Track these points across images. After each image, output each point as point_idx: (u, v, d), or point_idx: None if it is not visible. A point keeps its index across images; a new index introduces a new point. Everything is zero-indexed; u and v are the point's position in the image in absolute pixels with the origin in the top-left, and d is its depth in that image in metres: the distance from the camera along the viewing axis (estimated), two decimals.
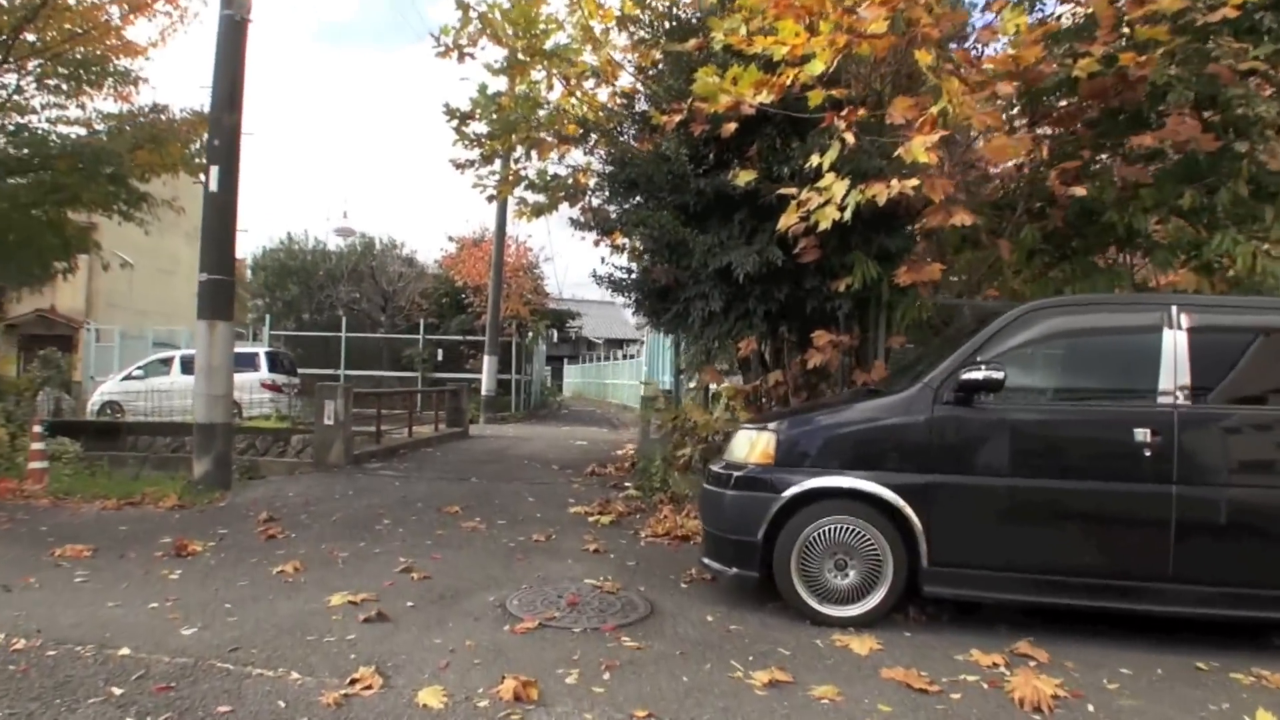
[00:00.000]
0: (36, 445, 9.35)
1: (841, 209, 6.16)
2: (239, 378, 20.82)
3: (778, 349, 8.19)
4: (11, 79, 11.15)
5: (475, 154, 10.05)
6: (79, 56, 11.67)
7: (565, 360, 56.72)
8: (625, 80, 9.11)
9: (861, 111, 6.05)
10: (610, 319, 68.90)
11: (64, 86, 11.73)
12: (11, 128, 11.12)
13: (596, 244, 11.21)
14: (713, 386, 9.61)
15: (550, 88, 9.72)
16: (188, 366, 21.04)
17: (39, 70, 11.11)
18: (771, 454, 5.06)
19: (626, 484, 9.63)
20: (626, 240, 9.66)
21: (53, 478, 9.30)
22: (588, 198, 10.12)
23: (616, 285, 9.02)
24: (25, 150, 11.26)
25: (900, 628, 4.72)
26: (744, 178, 7.17)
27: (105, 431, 16.42)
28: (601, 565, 5.99)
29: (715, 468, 5.43)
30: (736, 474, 5.15)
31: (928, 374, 4.97)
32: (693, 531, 7.14)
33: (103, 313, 27.64)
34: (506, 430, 18.93)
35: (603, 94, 9.75)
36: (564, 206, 10.20)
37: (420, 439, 13.42)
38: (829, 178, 6.22)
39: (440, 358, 25.23)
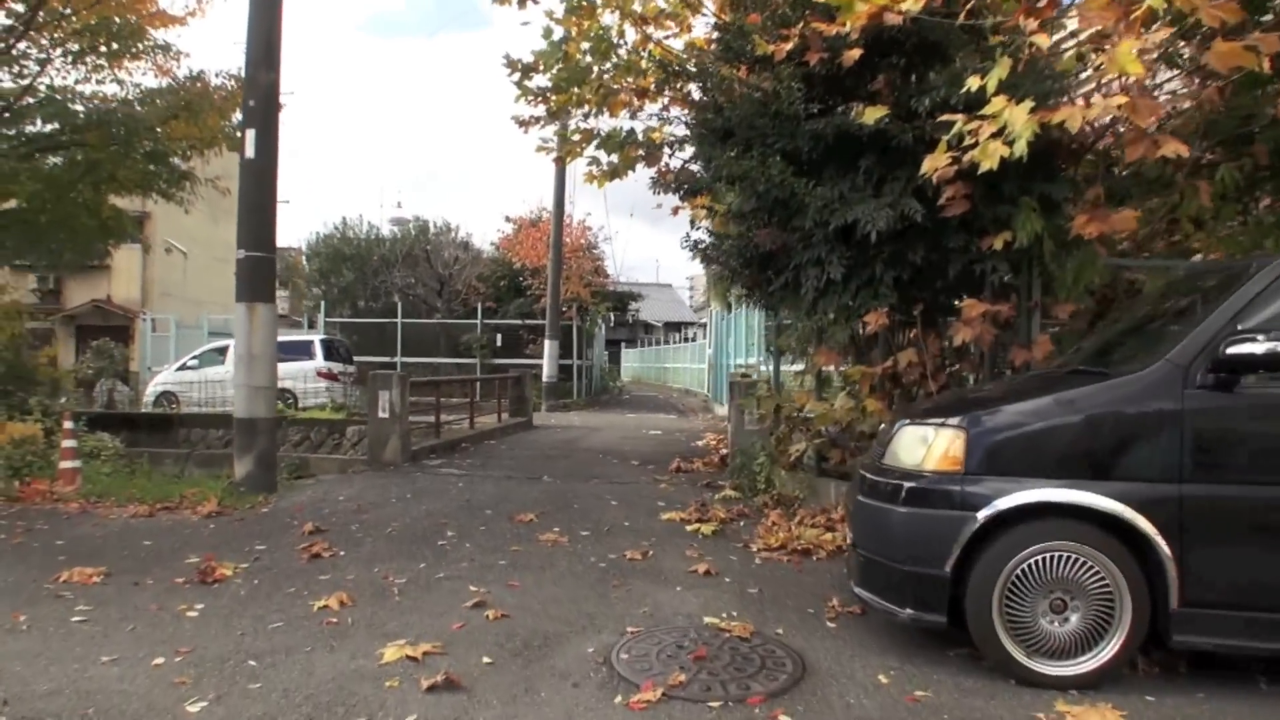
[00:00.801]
0: (68, 443, 8.46)
1: (1009, 143, 4.88)
2: (294, 366, 20.40)
3: (907, 324, 6.87)
4: (37, 49, 10.27)
5: (540, 110, 8.87)
6: (113, 28, 10.76)
7: (623, 344, 55.64)
8: (702, 29, 7.84)
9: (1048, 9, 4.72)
10: (668, 301, 67.70)
11: (96, 59, 10.84)
12: (39, 97, 10.23)
13: (676, 211, 9.99)
14: (826, 370, 8.32)
15: (621, 34, 8.51)
16: None
17: (64, 40, 10.20)
18: (959, 458, 3.82)
19: (721, 483, 8.43)
20: (713, 203, 8.44)
21: (87, 478, 8.43)
22: (668, 157, 8.91)
23: (708, 254, 7.79)
24: (55, 123, 10.38)
25: (1133, 686, 3.49)
26: (872, 115, 5.89)
27: (157, 424, 15.74)
28: (718, 593, 4.80)
29: (873, 474, 4.21)
30: (910, 485, 3.91)
31: (1167, 349, 3.68)
32: (813, 544, 5.96)
33: (158, 302, 27.27)
34: (572, 419, 17.85)
35: (678, 43, 8.53)
36: (640, 170, 9.02)
37: (483, 431, 12.36)
38: (998, 102, 4.92)
39: (499, 343, 24.27)
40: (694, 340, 54.03)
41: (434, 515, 6.82)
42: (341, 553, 5.59)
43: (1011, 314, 6.14)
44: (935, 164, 5.48)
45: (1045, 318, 6.25)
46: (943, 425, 3.97)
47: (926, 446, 3.97)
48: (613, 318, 32.19)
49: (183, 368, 20.46)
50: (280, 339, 22.58)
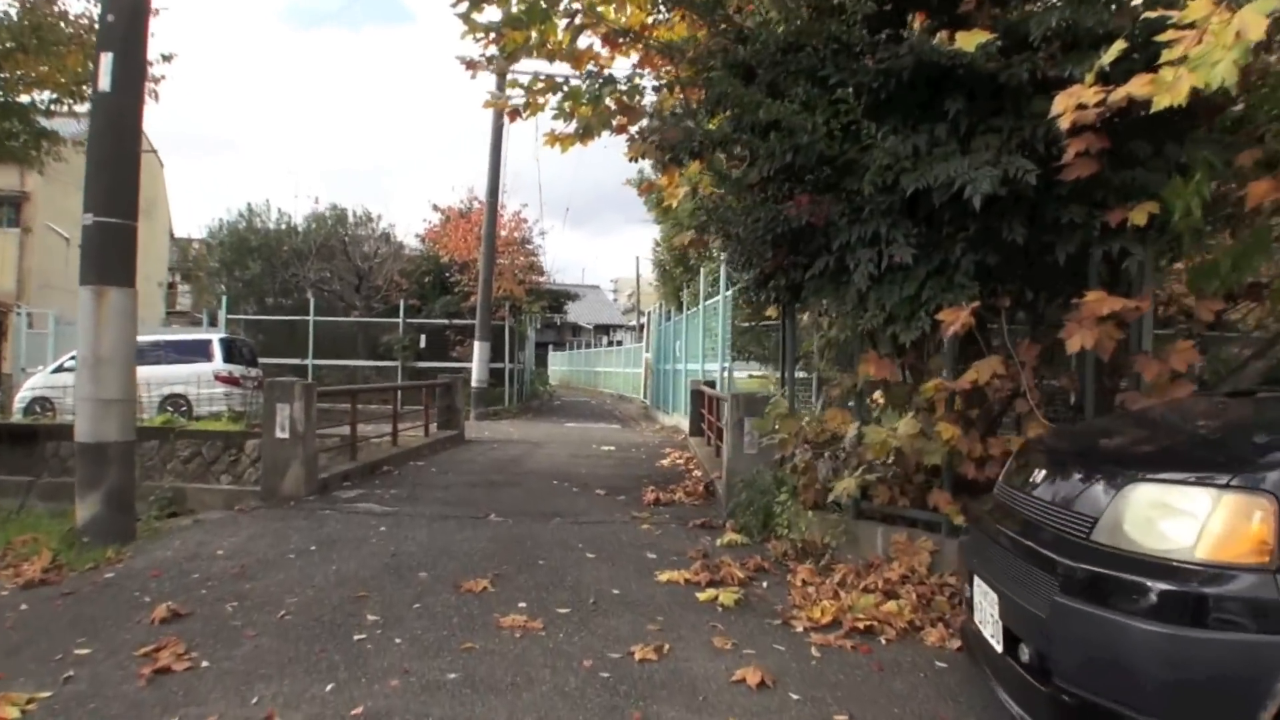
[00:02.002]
0: None
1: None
2: (189, 369, 17.97)
3: (985, 324, 5.26)
4: None
5: (491, 50, 7.05)
6: None
7: (551, 346, 53.61)
8: None
9: None
10: (596, 303, 66.04)
11: None
12: None
13: (649, 188, 8.30)
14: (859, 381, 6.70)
15: None
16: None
17: None
18: (1269, 544, 2.24)
19: (716, 522, 6.72)
20: (715, 170, 6.78)
21: None
22: (652, 115, 7.19)
23: (727, 228, 6.12)
24: None
25: None
26: (972, 41, 4.33)
27: (20, 437, 13.28)
28: None
29: (1084, 561, 2.59)
30: (1172, 588, 2.31)
31: None
32: (874, 617, 4.37)
33: (36, 295, 24.27)
34: (507, 430, 15.94)
35: None
36: (586, 150, 7.32)
37: (408, 448, 10.40)
38: (1200, 4, 3.42)
39: (423, 344, 22.13)
40: (622, 344, 52.51)
41: (347, 582, 4.92)
42: (205, 663, 3.66)
43: (1139, 312, 4.59)
44: (1077, 101, 3.92)
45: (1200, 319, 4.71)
46: (1226, 488, 2.36)
47: (1199, 523, 2.36)
48: (540, 319, 30.27)
49: (59, 369, 17.79)
50: (174, 338, 20.13)
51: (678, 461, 10.73)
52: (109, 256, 5.94)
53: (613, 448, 12.30)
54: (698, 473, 9.60)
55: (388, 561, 5.40)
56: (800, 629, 4.32)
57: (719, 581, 5.08)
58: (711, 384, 12.97)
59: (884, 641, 4.20)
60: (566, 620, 4.32)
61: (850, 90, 4.81)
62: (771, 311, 8.76)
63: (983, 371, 4.83)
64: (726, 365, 13.50)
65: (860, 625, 4.33)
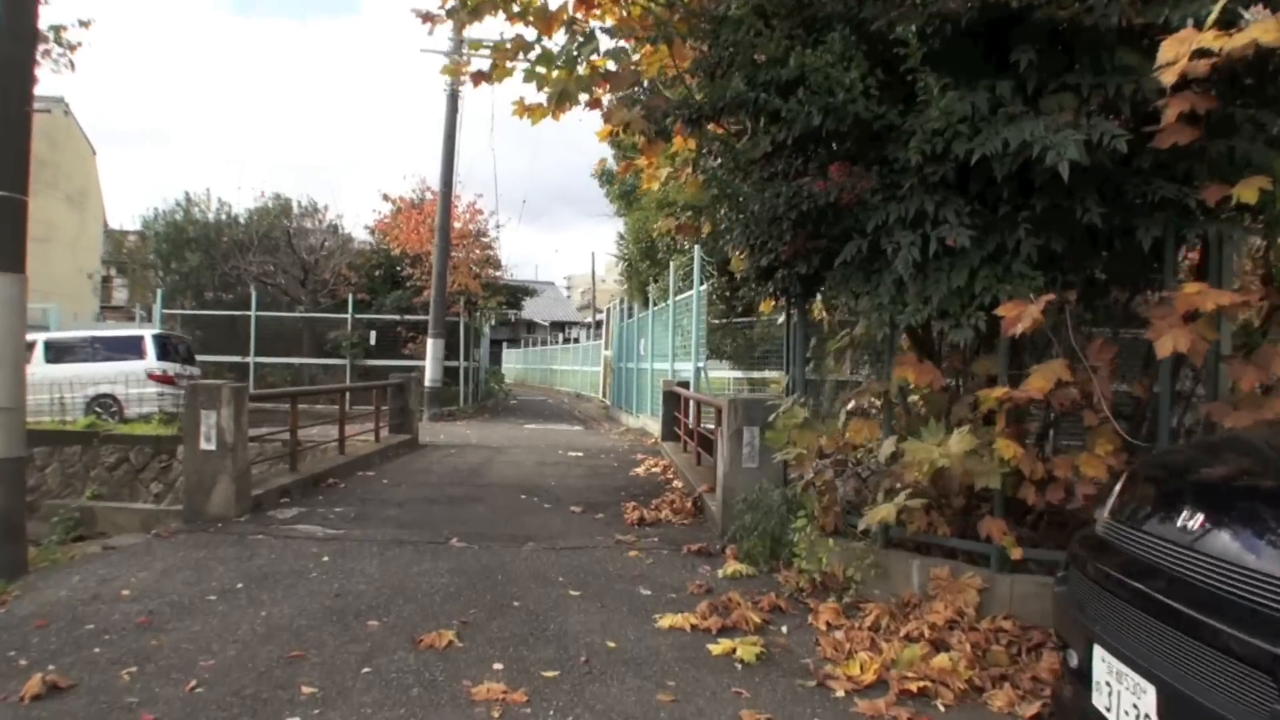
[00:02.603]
0: None
1: None
2: (119, 367, 16.65)
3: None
4: None
5: (452, 2, 6.13)
6: None
7: (505, 344, 52.44)
8: None
9: None
10: (551, 300, 64.96)
11: None
12: None
13: (646, 159, 7.55)
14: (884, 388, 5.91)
15: None
16: (56, 352, 16.70)
17: None
18: None
19: (716, 547, 5.90)
20: (710, 141, 5.98)
21: None
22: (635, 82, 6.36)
23: (740, 207, 5.30)
24: None
25: None
26: None
27: None
28: None
29: None
30: None
31: None
32: (925, 676, 3.62)
33: None
34: (463, 432, 14.96)
35: None
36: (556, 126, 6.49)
37: (357, 456, 9.41)
38: None
39: (373, 342, 20.99)
40: (578, 341, 51.53)
41: (279, 634, 3.99)
42: None
43: (1245, 309, 3.86)
44: (1193, 48, 3.19)
45: None
46: None
47: None
48: (494, 316, 29.20)
49: None
50: (104, 334, 18.74)
51: (653, 470, 9.90)
52: None
53: (580, 454, 11.42)
54: (678, 484, 8.78)
55: (330, 604, 4.48)
56: (841, 692, 3.53)
57: (732, 628, 4.26)
58: (684, 384, 12.17)
59: (941, 707, 3.44)
60: (555, 688, 3.45)
61: (897, 38, 3.99)
62: (764, 309, 7.96)
63: (1046, 377, 4.06)
64: (701, 365, 12.70)
65: (911, 686, 3.55)
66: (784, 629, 4.34)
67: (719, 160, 5.89)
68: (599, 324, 53.68)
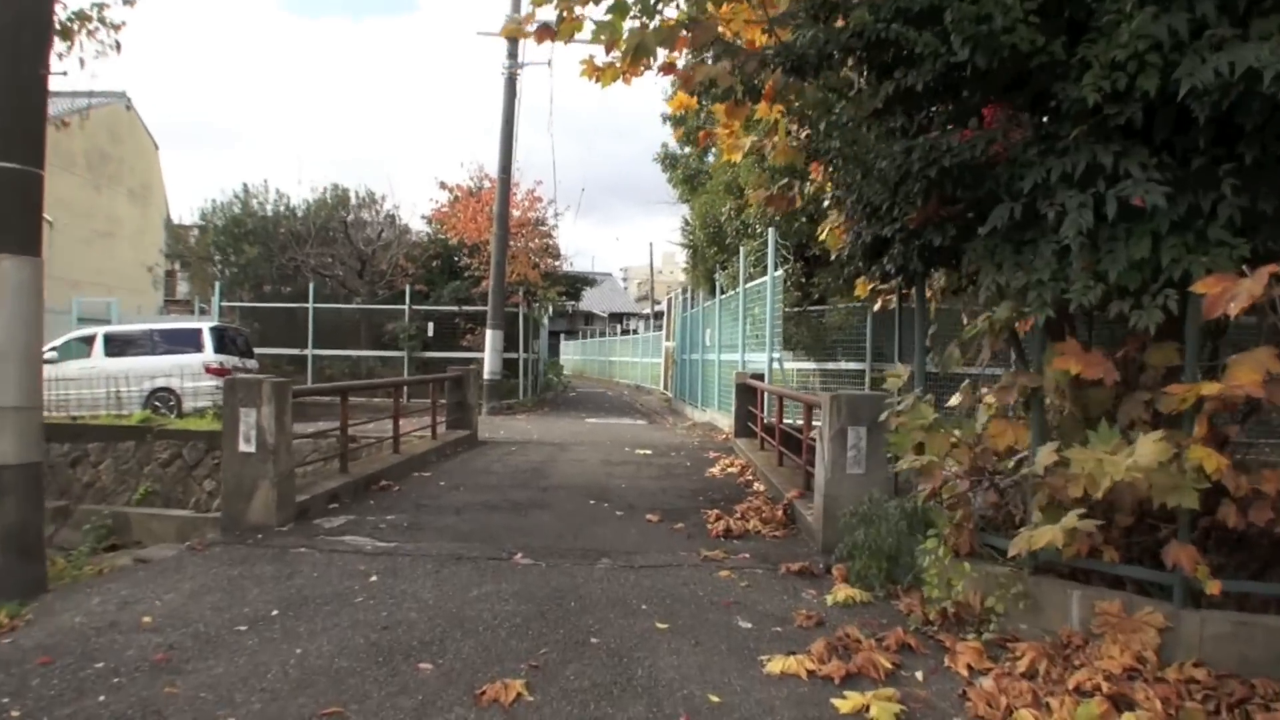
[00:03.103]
0: None
1: None
2: (177, 360, 16.41)
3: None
4: None
5: None
6: None
7: (563, 335, 52.03)
8: None
9: None
10: (609, 291, 64.46)
11: None
12: None
13: (726, 128, 6.87)
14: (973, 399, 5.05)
15: None
16: (116, 345, 16.55)
17: None
18: None
19: (818, 565, 5.11)
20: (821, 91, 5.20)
21: None
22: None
23: (863, 161, 4.50)
24: None
25: None
26: None
27: None
28: None
29: None
30: None
31: None
32: None
33: None
34: (524, 427, 14.34)
35: None
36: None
37: (412, 455, 8.80)
38: None
39: (430, 333, 20.52)
40: (636, 332, 50.88)
41: (314, 683, 3.32)
42: None
43: None
44: None
45: None
46: None
47: None
48: (552, 307, 28.63)
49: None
50: (162, 326, 18.59)
51: (730, 470, 9.12)
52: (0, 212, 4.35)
53: (648, 451, 10.68)
54: (761, 487, 7.99)
55: (376, 638, 3.80)
56: None
57: (857, 674, 3.49)
58: (759, 377, 11.35)
59: None
60: None
61: None
62: (860, 291, 7.13)
63: (1254, 369, 3.20)
64: (776, 356, 11.87)
65: None
66: (919, 674, 3.55)
67: (832, 114, 5.06)
68: (658, 315, 52.94)
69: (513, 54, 18.13)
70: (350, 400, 7.51)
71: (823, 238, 6.93)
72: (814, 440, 7.11)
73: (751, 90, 5.45)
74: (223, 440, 5.79)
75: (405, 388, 11.09)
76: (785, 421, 8.62)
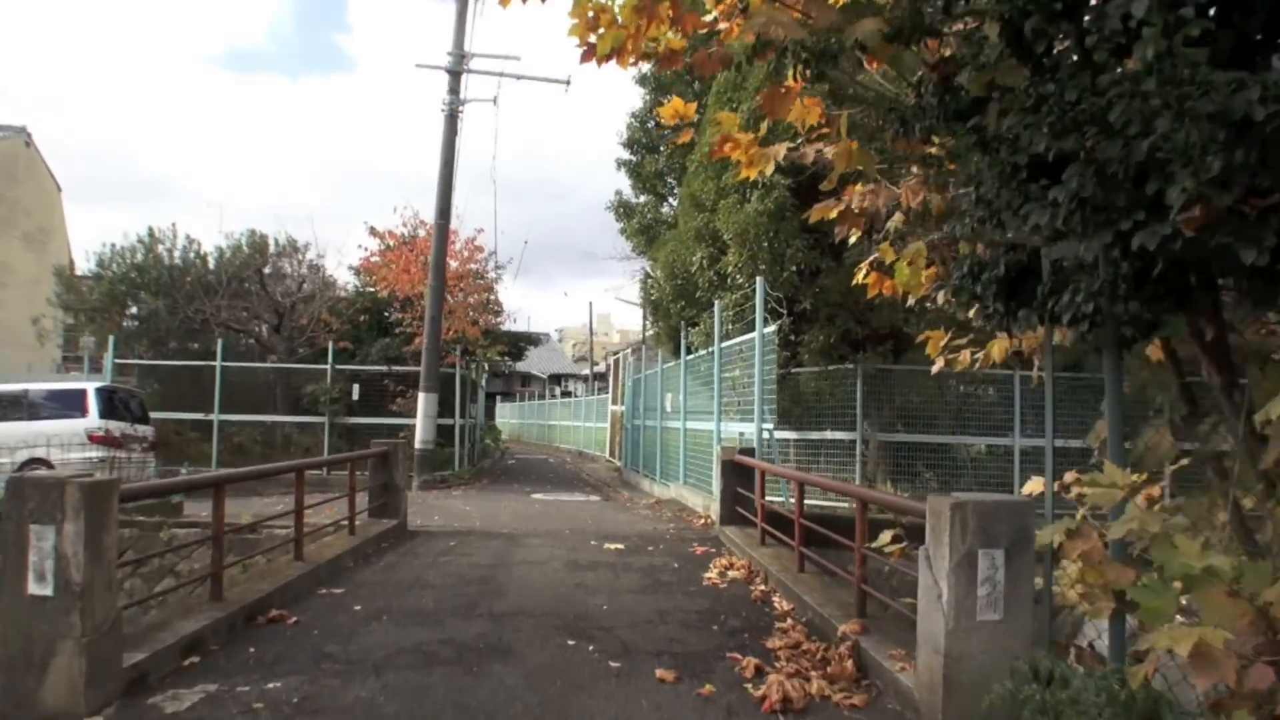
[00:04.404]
0: None
1: None
2: (55, 426, 13.89)
3: None
4: None
5: None
6: None
7: (499, 397, 49.60)
8: None
9: None
10: (549, 352, 62.50)
11: None
12: None
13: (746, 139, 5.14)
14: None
15: None
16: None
17: None
18: None
19: None
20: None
21: None
22: None
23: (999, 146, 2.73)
24: None
25: None
26: None
27: None
28: None
29: None
30: None
31: None
32: None
33: None
34: (461, 508, 12.19)
35: None
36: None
37: (319, 563, 6.66)
38: None
39: (356, 396, 18.25)
40: (573, 394, 48.79)
41: None
42: None
43: None
44: None
45: None
46: None
47: None
48: (488, 367, 26.49)
49: None
50: (42, 386, 15.91)
51: (732, 575, 7.18)
52: None
53: (620, 545, 8.67)
54: (783, 602, 6.09)
55: None
56: None
57: None
58: (749, 451, 9.51)
59: None
60: None
61: None
62: (932, 350, 5.37)
63: None
64: (768, 426, 10.07)
65: None
66: None
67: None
68: (598, 376, 51.05)
69: (454, 89, 16.41)
70: (225, 494, 5.38)
71: (900, 275, 5.14)
72: (869, 550, 5.30)
73: (825, 54, 3.70)
74: (4, 578, 3.66)
75: (322, 468, 8.91)
76: (803, 505, 6.77)
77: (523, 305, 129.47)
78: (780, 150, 5.13)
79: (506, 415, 51.53)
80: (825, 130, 5.20)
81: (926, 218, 4.65)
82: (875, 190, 4.88)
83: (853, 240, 6.51)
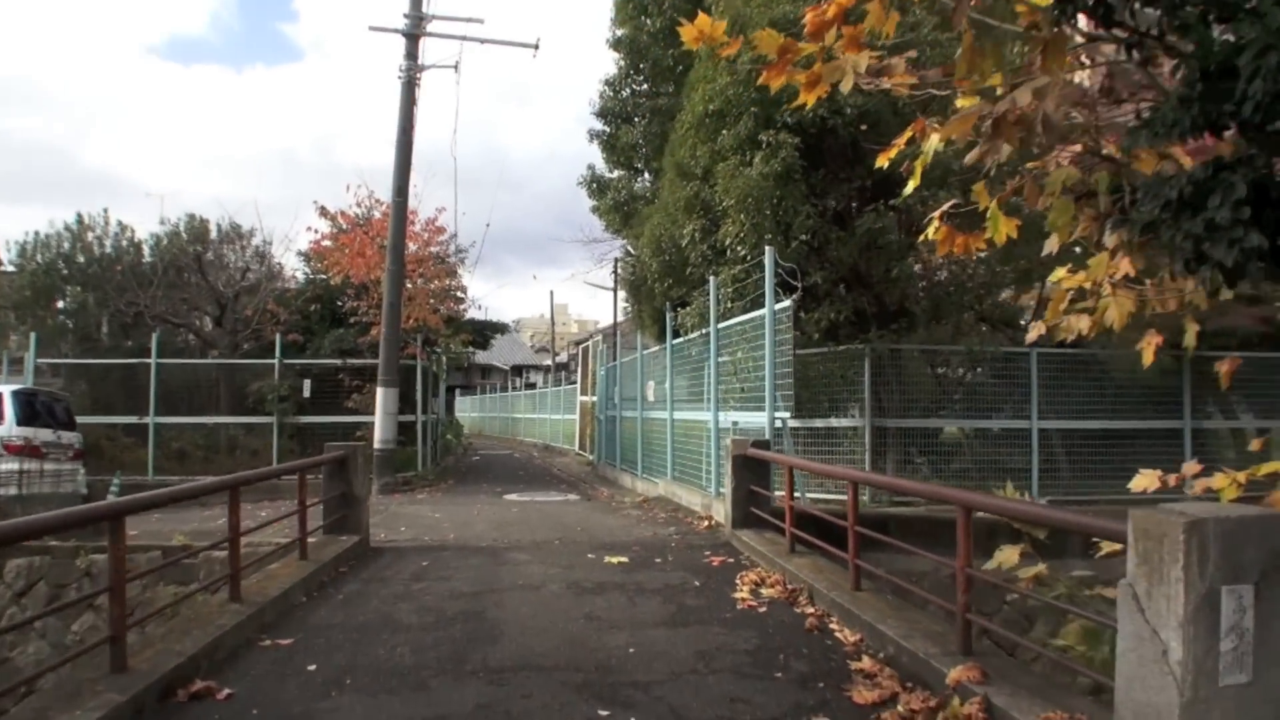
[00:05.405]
0: None
1: None
2: None
3: None
4: None
5: None
6: None
7: (459, 390, 47.91)
8: None
9: None
10: (510, 343, 60.91)
11: None
12: None
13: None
14: None
15: None
16: None
17: None
18: None
19: None
20: None
21: None
22: None
23: None
24: None
25: None
26: None
27: None
28: None
29: None
30: None
31: None
32: None
33: None
34: (429, 515, 10.85)
35: None
36: None
37: (262, 603, 5.32)
38: None
39: (307, 393, 16.73)
40: (534, 386, 47.36)
41: None
42: None
43: None
44: None
45: None
46: None
47: None
48: (454, 358, 24.98)
49: None
50: None
51: (766, 592, 5.98)
52: None
53: (623, 558, 7.42)
54: (841, 630, 4.91)
55: None
56: None
57: None
58: (763, 444, 8.30)
59: None
60: None
61: None
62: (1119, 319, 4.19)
63: None
64: (783, 415, 8.89)
65: None
66: None
67: None
68: (560, 367, 49.69)
69: (411, 54, 14.96)
70: (125, 528, 4.01)
71: (995, 223, 3.91)
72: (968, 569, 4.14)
73: None
74: None
75: (264, 482, 7.51)
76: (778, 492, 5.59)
77: (480, 296, 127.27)
78: (862, 59, 3.88)
79: (467, 409, 49.91)
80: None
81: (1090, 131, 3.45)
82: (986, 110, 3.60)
83: (909, 190, 5.34)
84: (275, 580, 5.89)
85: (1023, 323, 14.12)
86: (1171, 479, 4.95)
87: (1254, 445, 6.14)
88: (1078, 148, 3.85)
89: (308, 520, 6.91)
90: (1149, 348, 4.78)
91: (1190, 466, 4.98)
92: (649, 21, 15.73)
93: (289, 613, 5.46)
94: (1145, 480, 5.01)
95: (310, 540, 7.10)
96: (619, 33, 16.19)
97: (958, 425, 11.96)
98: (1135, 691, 2.72)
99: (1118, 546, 4.30)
